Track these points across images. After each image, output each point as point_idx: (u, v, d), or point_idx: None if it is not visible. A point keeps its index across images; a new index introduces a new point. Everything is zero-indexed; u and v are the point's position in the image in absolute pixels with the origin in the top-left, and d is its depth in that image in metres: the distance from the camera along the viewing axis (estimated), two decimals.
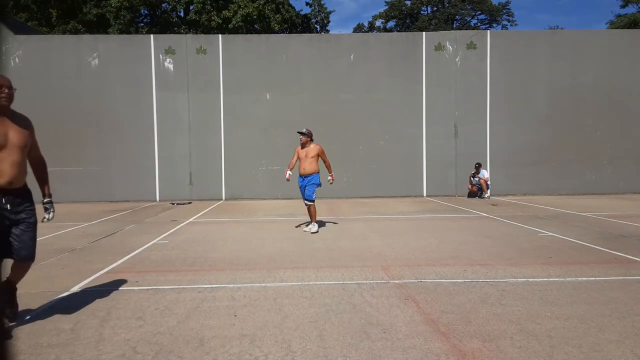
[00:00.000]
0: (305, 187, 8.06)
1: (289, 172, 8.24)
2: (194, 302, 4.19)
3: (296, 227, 8.79)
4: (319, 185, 8.14)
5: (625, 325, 3.51)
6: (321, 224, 9.09)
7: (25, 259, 3.50)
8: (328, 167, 8.29)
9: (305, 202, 8.15)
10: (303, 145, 8.12)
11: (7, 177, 3.36)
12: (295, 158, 8.34)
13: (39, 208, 3.62)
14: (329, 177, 8.35)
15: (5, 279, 3.59)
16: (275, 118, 14.89)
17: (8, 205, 3.39)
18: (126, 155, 14.80)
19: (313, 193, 8.06)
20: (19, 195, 3.47)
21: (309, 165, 8.00)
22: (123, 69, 14.86)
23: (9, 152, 3.36)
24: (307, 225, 8.47)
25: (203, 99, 15.02)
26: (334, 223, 9.32)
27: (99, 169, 14.72)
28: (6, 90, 3.37)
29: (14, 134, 3.40)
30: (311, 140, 8.15)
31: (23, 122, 3.52)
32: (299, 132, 8.25)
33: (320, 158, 8.15)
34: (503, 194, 15.17)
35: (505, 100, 15.32)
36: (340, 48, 15.36)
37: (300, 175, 8.14)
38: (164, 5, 29.99)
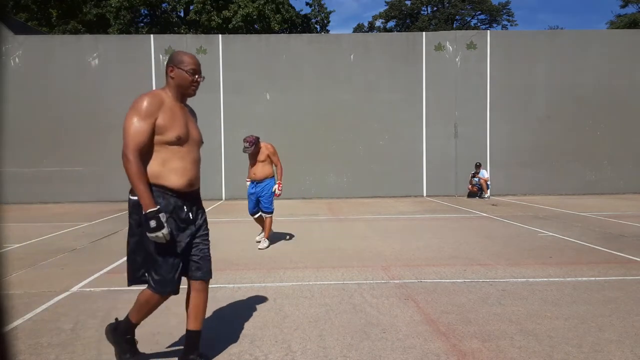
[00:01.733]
0: (259, 196, 6.75)
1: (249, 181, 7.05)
2: None
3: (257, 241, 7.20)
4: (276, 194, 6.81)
5: (625, 325, 3.51)
6: (321, 223, 9.08)
7: (205, 276, 2.89)
8: (279, 172, 6.85)
9: (263, 214, 6.83)
10: (252, 156, 6.83)
11: (189, 176, 2.78)
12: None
13: None
14: (276, 186, 6.76)
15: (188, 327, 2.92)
16: (275, 118, 14.88)
17: (190, 214, 2.82)
18: None
19: (271, 203, 6.79)
20: (197, 198, 2.96)
21: (260, 170, 6.76)
22: (123, 69, 14.85)
23: (191, 148, 2.81)
24: (259, 236, 7.20)
25: (203, 99, 14.96)
26: (334, 223, 9.31)
27: (99, 169, 14.71)
28: (198, 79, 2.80)
29: (193, 127, 2.87)
30: (257, 144, 6.75)
31: (194, 114, 2.98)
32: (244, 150, 6.78)
33: (271, 160, 6.83)
34: (503, 194, 15.16)
35: (505, 100, 15.31)
36: (340, 48, 15.35)
37: (252, 181, 6.85)
38: (164, 5, 29.98)
